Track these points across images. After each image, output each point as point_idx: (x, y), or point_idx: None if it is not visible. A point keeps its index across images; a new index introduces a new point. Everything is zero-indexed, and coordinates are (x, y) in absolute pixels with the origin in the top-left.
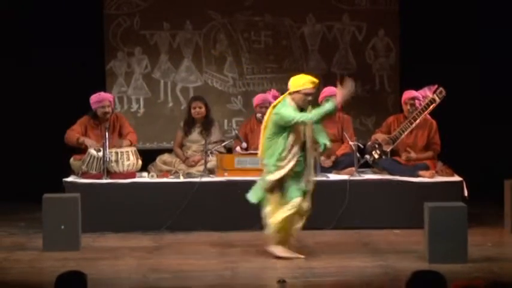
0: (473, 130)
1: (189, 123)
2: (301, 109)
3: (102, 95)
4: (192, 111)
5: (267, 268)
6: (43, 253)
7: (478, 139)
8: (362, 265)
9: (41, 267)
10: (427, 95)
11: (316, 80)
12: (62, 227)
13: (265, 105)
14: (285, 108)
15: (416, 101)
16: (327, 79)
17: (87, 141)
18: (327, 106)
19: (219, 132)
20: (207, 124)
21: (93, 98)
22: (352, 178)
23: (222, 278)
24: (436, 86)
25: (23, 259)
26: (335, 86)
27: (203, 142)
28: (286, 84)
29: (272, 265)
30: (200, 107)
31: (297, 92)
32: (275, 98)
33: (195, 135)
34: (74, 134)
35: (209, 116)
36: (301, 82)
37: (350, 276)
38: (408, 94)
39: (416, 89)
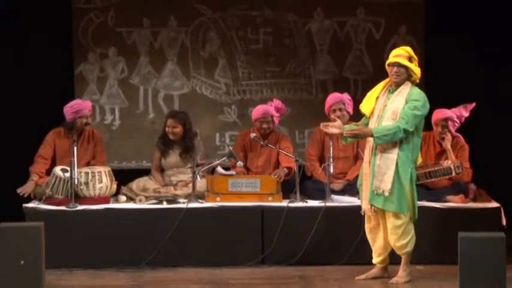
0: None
1: (166, 142)
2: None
3: (82, 104)
4: (166, 129)
5: None
6: None
7: None
8: None
9: None
10: (462, 115)
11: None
12: (22, 262)
13: (266, 120)
14: None
15: (449, 122)
16: (338, 85)
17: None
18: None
19: (202, 146)
20: (185, 146)
21: (73, 107)
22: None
23: None
24: (473, 105)
25: None
26: (345, 92)
27: (185, 166)
28: (289, 90)
29: None
30: (174, 127)
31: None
32: (278, 109)
33: (173, 157)
34: (35, 170)
35: (188, 136)
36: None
37: None
38: (440, 114)
39: (448, 105)
